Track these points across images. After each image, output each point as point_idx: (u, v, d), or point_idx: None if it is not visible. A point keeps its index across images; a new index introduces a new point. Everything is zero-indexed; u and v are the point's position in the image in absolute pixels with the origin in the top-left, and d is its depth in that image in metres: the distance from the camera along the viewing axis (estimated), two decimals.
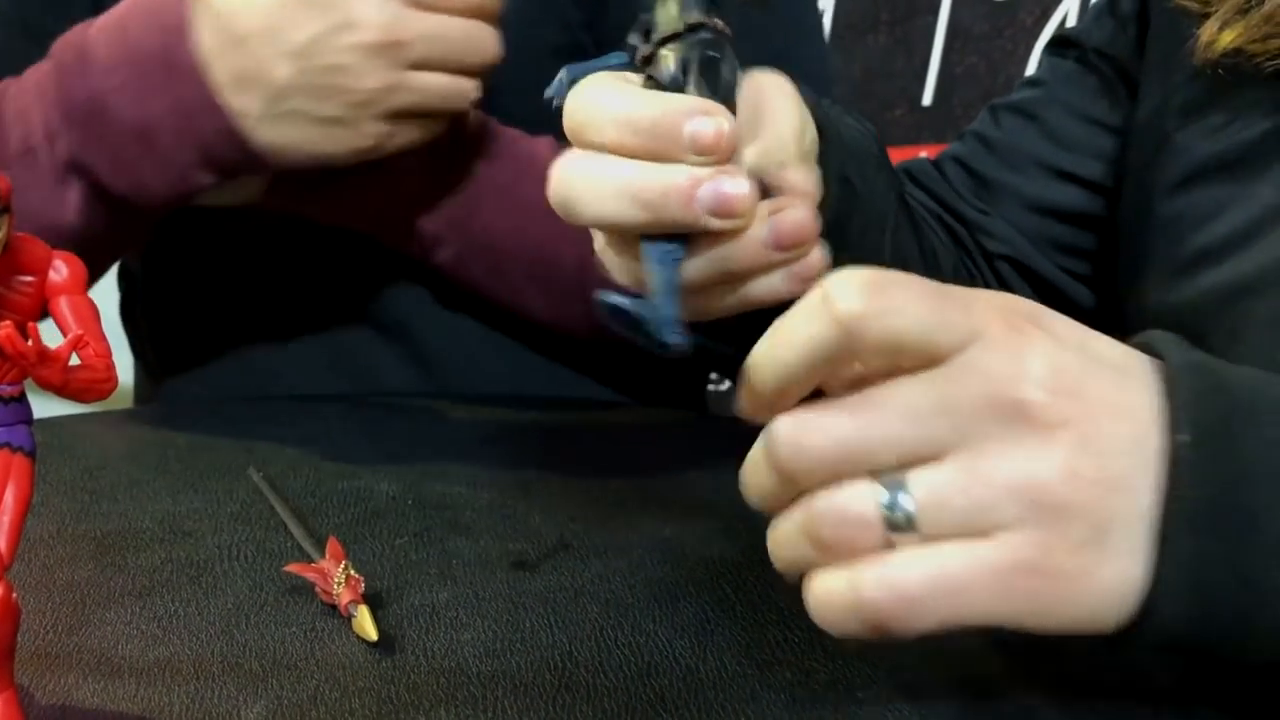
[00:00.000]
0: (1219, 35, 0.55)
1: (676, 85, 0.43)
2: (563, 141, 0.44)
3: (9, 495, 0.33)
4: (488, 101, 0.71)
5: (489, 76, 0.70)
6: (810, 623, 0.47)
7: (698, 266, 0.43)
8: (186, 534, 0.55)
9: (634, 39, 0.45)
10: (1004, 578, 0.35)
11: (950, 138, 0.77)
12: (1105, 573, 0.35)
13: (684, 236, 0.42)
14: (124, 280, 0.93)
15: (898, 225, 0.62)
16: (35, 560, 0.51)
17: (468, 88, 0.69)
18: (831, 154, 0.51)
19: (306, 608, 0.47)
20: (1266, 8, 0.53)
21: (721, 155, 0.41)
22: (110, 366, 0.33)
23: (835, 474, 0.36)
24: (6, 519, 0.33)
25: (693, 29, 0.42)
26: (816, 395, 0.37)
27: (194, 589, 0.49)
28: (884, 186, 0.59)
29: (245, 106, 0.66)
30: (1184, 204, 0.59)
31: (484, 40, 0.68)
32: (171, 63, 0.67)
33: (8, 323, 0.31)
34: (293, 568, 0.48)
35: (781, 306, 0.38)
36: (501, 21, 0.69)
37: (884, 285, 0.35)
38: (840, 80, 1.50)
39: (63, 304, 0.34)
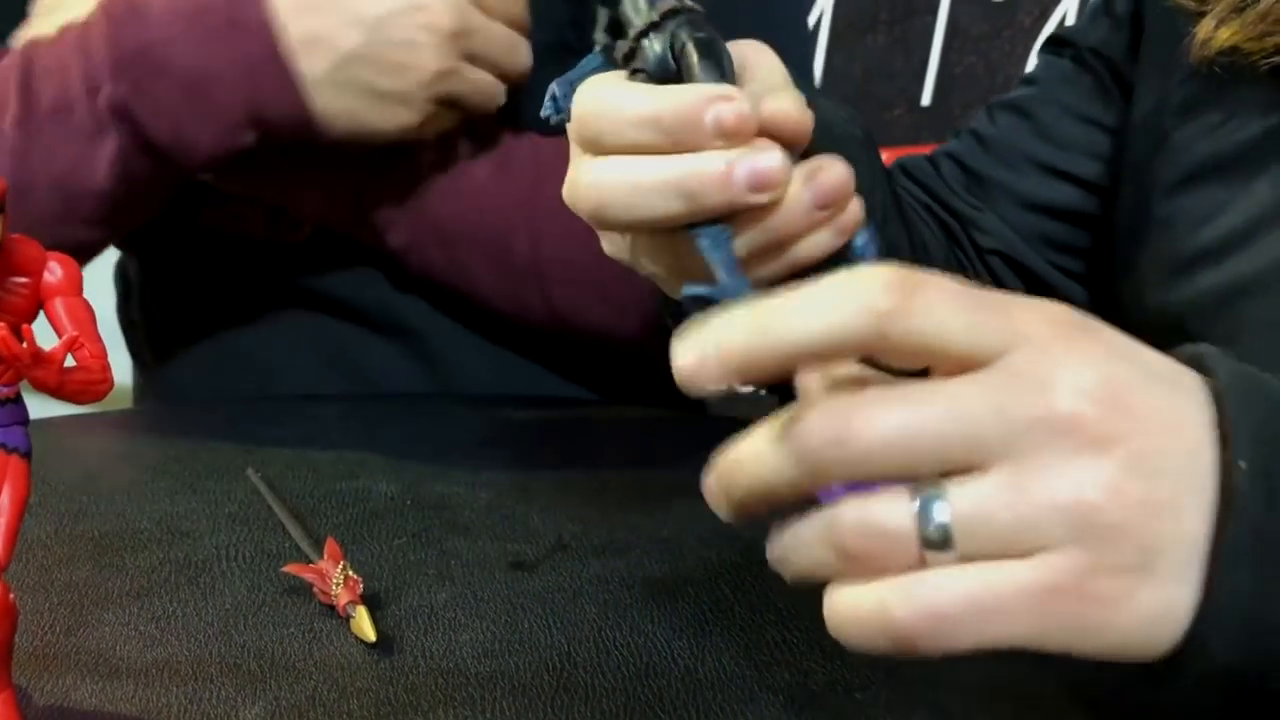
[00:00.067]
0: (1215, 33, 0.55)
1: (670, 74, 0.43)
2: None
3: (5, 496, 0.33)
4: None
5: (519, 84, 0.74)
6: (809, 624, 0.47)
7: (748, 240, 0.42)
8: (184, 535, 0.55)
9: (602, 37, 0.45)
10: (1043, 600, 0.33)
11: (949, 138, 0.77)
12: (1148, 598, 0.34)
13: (726, 215, 0.42)
14: (121, 281, 0.93)
15: (886, 215, 0.62)
16: (33, 561, 0.51)
17: (501, 90, 0.73)
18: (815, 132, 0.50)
19: (305, 608, 0.47)
20: (1262, 6, 0.53)
21: (745, 135, 0.41)
22: (106, 368, 0.33)
23: (874, 472, 0.33)
24: (3, 520, 0.33)
25: (670, 14, 0.43)
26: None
27: (192, 590, 0.49)
28: (868, 169, 0.59)
29: (310, 69, 0.69)
30: (1182, 204, 0.59)
31: (522, 49, 0.74)
32: (237, 19, 0.68)
33: (2, 324, 0.31)
34: (291, 568, 0.48)
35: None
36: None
37: (918, 282, 0.33)
38: (840, 80, 1.50)
39: (58, 305, 0.34)
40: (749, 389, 0.36)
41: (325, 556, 0.48)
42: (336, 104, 0.70)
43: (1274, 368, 0.38)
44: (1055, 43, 0.72)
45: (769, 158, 0.41)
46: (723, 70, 0.42)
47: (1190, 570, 0.34)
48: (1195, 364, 0.36)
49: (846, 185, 0.42)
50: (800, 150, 0.43)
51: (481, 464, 0.66)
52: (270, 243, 0.82)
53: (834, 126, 0.55)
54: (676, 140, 0.41)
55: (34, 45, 0.73)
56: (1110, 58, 0.68)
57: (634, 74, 0.44)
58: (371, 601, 0.46)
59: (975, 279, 0.38)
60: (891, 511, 0.33)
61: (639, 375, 0.88)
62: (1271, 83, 0.55)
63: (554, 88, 0.45)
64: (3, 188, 0.32)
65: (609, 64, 0.45)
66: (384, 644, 0.44)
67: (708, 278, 0.41)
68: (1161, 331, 0.55)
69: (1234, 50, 0.55)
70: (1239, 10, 0.54)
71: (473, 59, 0.71)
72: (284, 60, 0.69)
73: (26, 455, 0.34)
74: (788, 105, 0.42)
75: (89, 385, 0.33)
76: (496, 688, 0.41)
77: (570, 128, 0.45)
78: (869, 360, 0.36)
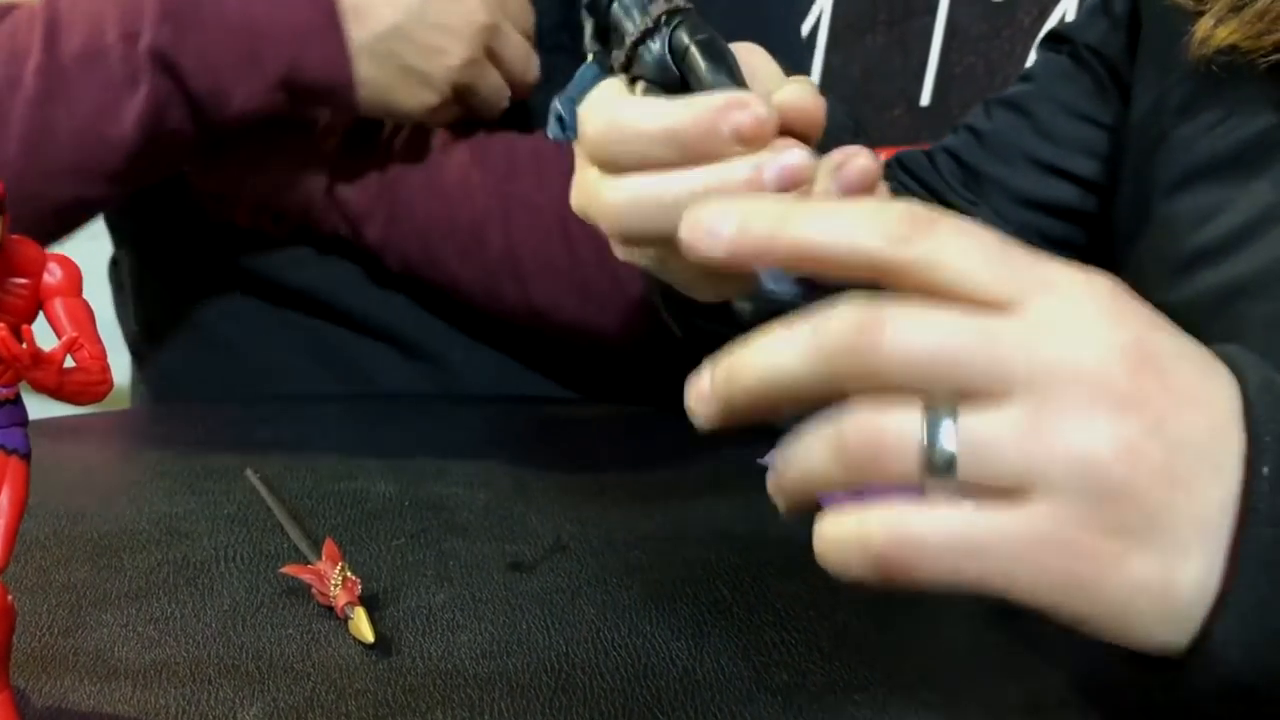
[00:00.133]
0: (1213, 32, 0.55)
1: (672, 77, 0.42)
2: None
3: (4, 497, 0.33)
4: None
5: (524, 94, 0.78)
6: (807, 625, 0.47)
7: None
8: (183, 535, 0.55)
9: (592, 44, 0.44)
10: (1030, 548, 0.32)
11: (947, 135, 0.77)
12: (1141, 567, 0.32)
13: None
14: (116, 281, 0.93)
15: None
16: (31, 562, 0.51)
17: (507, 95, 0.77)
18: None
19: (303, 609, 0.47)
20: (1260, 4, 0.53)
21: (766, 138, 0.40)
22: (105, 369, 0.33)
23: (891, 384, 0.32)
24: (2, 521, 0.33)
25: (666, 18, 0.42)
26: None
27: (190, 591, 0.49)
28: None
29: (357, 35, 0.71)
30: (1182, 203, 0.59)
31: (534, 62, 0.78)
32: None
33: (2, 325, 0.31)
34: (289, 569, 0.48)
35: None
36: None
37: (939, 219, 0.33)
38: (838, 81, 1.50)
39: (57, 306, 0.34)
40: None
41: (323, 557, 0.48)
42: (372, 74, 0.72)
43: (1274, 368, 0.38)
44: (1053, 39, 0.72)
45: (794, 155, 0.40)
46: (730, 71, 0.42)
47: (1191, 550, 0.33)
48: (1226, 362, 0.35)
49: (873, 175, 0.42)
50: (817, 139, 0.43)
51: (480, 464, 0.66)
52: (264, 244, 0.82)
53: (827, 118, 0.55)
54: (697, 153, 0.41)
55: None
56: (1108, 56, 0.68)
57: (634, 81, 0.43)
58: (370, 602, 0.46)
59: None
60: (900, 419, 0.32)
61: (639, 376, 0.88)
62: (1270, 81, 0.55)
63: (557, 106, 0.45)
64: (2, 188, 0.32)
65: (604, 72, 0.45)
66: (382, 645, 0.44)
67: (746, 280, 0.41)
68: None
69: (1232, 49, 0.55)
70: (1237, 9, 0.54)
71: (493, 58, 0.75)
72: (337, 25, 0.71)
73: (26, 456, 0.34)
74: (800, 95, 0.42)
75: (88, 386, 0.33)
76: (495, 689, 0.41)
77: (580, 146, 0.45)
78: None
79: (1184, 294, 0.57)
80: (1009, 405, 0.32)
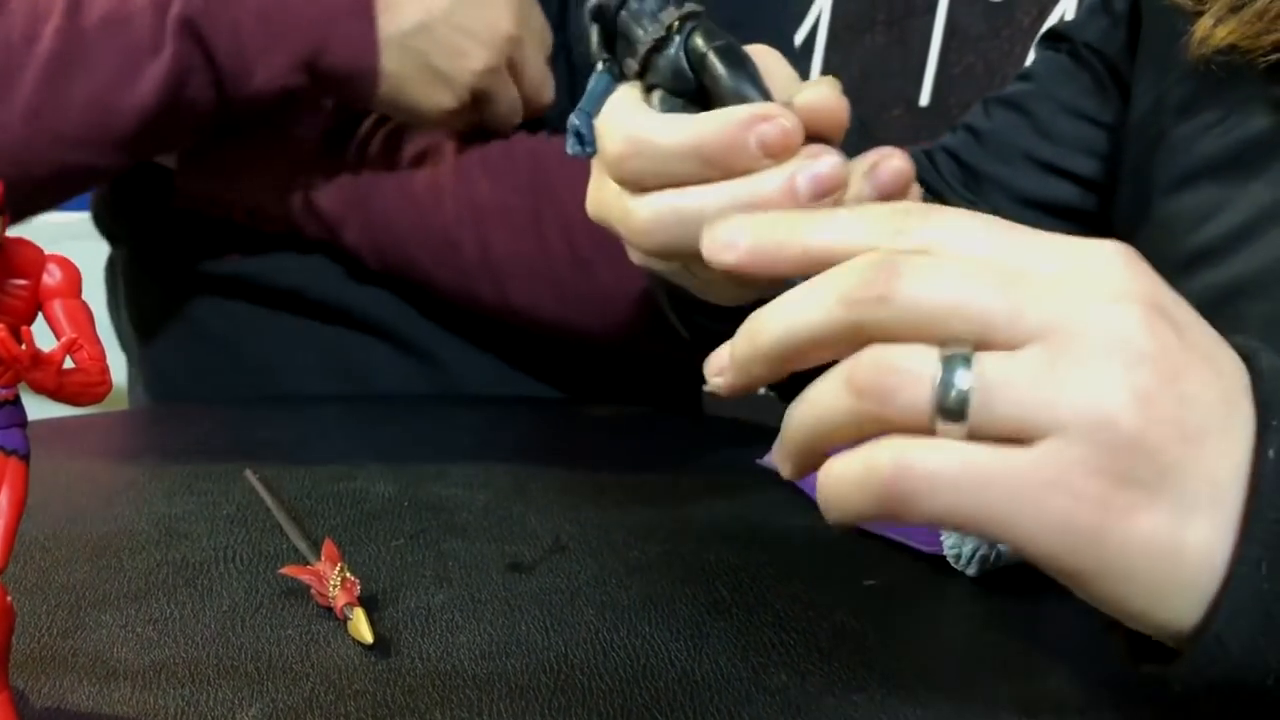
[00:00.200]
0: (1213, 31, 0.55)
1: (689, 85, 0.42)
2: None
3: (4, 498, 0.33)
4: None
5: (536, 113, 0.79)
6: (805, 626, 0.47)
7: None
8: (182, 536, 0.55)
9: (599, 53, 0.44)
10: (1036, 488, 0.31)
11: (946, 134, 0.77)
12: (1150, 523, 0.32)
13: None
14: (111, 282, 0.93)
15: None
16: (30, 563, 0.51)
17: (519, 112, 0.78)
18: None
19: (302, 610, 0.47)
20: (1259, 4, 0.53)
21: (793, 149, 0.40)
22: (105, 370, 0.33)
23: (910, 333, 0.32)
24: (2, 522, 0.33)
25: (679, 24, 0.42)
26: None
27: (190, 592, 0.49)
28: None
29: (386, 27, 0.72)
30: (1181, 203, 0.59)
31: (550, 84, 0.79)
32: None
33: (1, 326, 0.31)
34: (288, 570, 0.48)
35: None
36: None
37: (931, 209, 0.34)
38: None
39: (57, 307, 0.34)
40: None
41: (323, 558, 0.48)
42: (393, 69, 0.73)
43: None
44: (1052, 38, 0.72)
45: (826, 163, 0.40)
46: (752, 77, 0.41)
47: (1200, 511, 0.32)
48: (1232, 345, 0.35)
49: (907, 175, 0.42)
50: (840, 140, 0.42)
51: (479, 465, 0.66)
52: (262, 244, 0.82)
53: None
54: (722, 168, 0.40)
55: None
56: (1107, 54, 0.68)
57: (650, 90, 0.43)
58: (369, 603, 0.46)
59: None
60: (915, 356, 0.32)
61: (638, 377, 0.88)
62: (1269, 80, 0.55)
63: (574, 122, 0.44)
64: (1, 188, 0.32)
65: (615, 81, 0.44)
66: (381, 646, 0.44)
67: (781, 283, 0.40)
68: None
69: (1231, 48, 0.55)
70: (1236, 9, 0.54)
71: (513, 71, 0.75)
72: (370, 13, 0.72)
73: (25, 457, 0.34)
74: (823, 97, 0.42)
75: (87, 387, 0.33)
76: (494, 689, 0.41)
77: (598, 163, 0.44)
78: None
79: (1183, 293, 0.57)
80: (1025, 351, 0.32)
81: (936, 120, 1.39)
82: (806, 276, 0.39)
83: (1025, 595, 0.50)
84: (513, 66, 0.76)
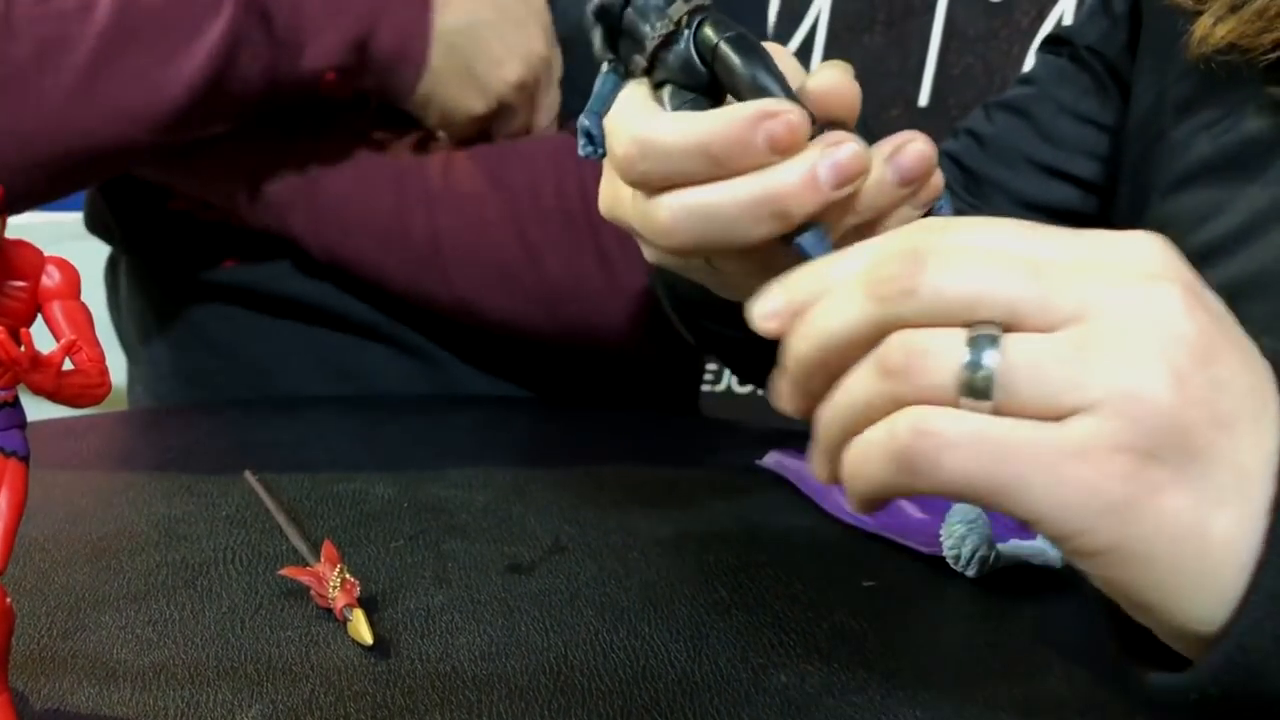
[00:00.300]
0: (1212, 30, 0.55)
1: (701, 78, 0.41)
2: None
3: (3, 500, 0.33)
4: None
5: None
6: (805, 627, 0.47)
7: (844, 228, 0.41)
8: (182, 537, 0.55)
9: (604, 52, 0.44)
10: (1057, 460, 0.31)
11: (947, 139, 0.77)
12: (1177, 504, 0.31)
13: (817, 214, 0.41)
14: (111, 283, 0.93)
15: None
16: (30, 564, 0.51)
17: (523, 133, 0.79)
18: None
19: (302, 611, 0.47)
20: (1258, 3, 0.53)
21: (801, 143, 0.39)
22: (104, 372, 0.33)
23: (950, 311, 0.32)
24: (1, 524, 0.33)
25: (687, 18, 0.42)
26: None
27: (189, 593, 0.49)
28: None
29: (439, 21, 0.74)
30: (1180, 204, 0.59)
31: (555, 110, 0.80)
32: None
33: (0, 328, 0.31)
34: (288, 571, 0.48)
35: None
36: None
37: (949, 223, 0.34)
38: None
39: (56, 309, 0.34)
40: None
41: (322, 559, 0.48)
42: (438, 64, 0.74)
43: None
44: (1052, 42, 0.73)
45: (847, 150, 0.39)
46: (766, 65, 0.41)
47: (1228, 499, 0.31)
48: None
49: (930, 159, 0.41)
50: (854, 122, 0.42)
51: (478, 466, 0.66)
52: (260, 244, 0.82)
53: None
54: (731, 166, 0.40)
55: None
56: (1107, 56, 0.68)
57: (659, 86, 0.43)
58: (368, 604, 0.46)
59: None
60: (943, 336, 0.32)
61: (636, 378, 0.88)
62: (1269, 79, 0.55)
63: (584, 123, 0.43)
64: (1, 189, 0.32)
65: (621, 80, 0.44)
66: (381, 647, 0.44)
67: (798, 257, 0.40)
68: None
69: (1231, 48, 0.55)
70: (1235, 8, 0.54)
71: (535, 91, 0.77)
72: (427, 2, 0.73)
73: (24, 459, 0.34)
74: (835, 79, 0.41)
75: (87, 389, 0.33)
76: (493, 690, 0.41)
77: (609, 164, 0.44)
78: None
79: None
80: (1056, 334, 0.32)
81: (935, 121, 1.39)
82: (824, 247, 0.39)
83: (1025, 595, 0.50)
84: (536, 87, 0.77)
